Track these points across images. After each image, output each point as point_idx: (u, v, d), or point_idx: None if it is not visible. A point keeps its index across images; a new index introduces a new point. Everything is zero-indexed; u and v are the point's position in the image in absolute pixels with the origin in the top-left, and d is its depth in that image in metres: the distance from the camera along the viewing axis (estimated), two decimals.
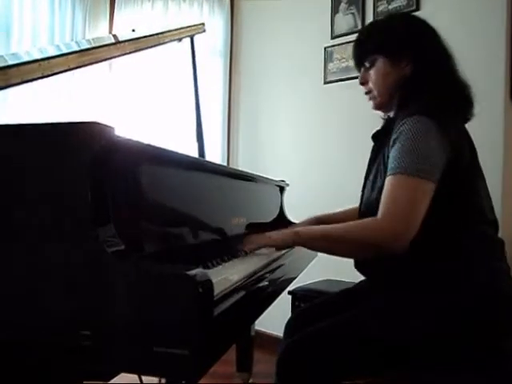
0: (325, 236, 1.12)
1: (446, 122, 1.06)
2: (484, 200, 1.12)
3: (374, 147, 1.27)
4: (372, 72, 1.21)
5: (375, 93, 1.22)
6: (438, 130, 1.04)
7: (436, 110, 1.07)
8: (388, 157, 1.10)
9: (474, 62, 2.02)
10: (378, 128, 1.28)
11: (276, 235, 1.20)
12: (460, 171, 1.07)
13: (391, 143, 1.09)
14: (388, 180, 1.05)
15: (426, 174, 1.01)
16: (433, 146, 1.02)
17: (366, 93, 1.25)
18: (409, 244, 1.00)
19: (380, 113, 1.31)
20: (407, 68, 1.16)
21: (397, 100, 1.19)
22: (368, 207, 1.19)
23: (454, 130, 1.09)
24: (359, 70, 1.27)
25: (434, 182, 1.02)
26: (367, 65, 1.22)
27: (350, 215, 1.45)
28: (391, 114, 1.26)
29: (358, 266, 1.25)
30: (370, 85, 1.23)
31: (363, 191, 1.26)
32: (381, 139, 1.22)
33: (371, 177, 1.21)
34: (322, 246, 1.16)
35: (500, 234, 1.17)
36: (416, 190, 1.01)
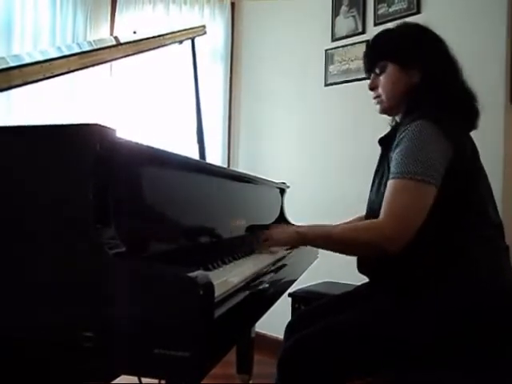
0: (328, 237, 1.16)
1: (448, 126, 1.08)
2: (488, 203, 1.13)
3: (381, 152, 1.28)
4: (382, 78, 1.23)
5: (383, 98, 1.24)
6: (441, 134, 1.05)
7: (439, 116, 1.09)
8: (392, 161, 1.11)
9: (475, 64, 2.02)
10: (385, 133, 1.28)
11: (279, 235, 1.23)
12: (463, 174, 1.08)
13: (394, 147, 1.11)
14: (389, 183, 1.07)
15: (426, 178, 1.02)
16: (434, 150, 1.04)
17: (375, 97, 1.27)
18: (403, 245, 1.02)
19: (386, 117, 1.32)
20: (416, 76, 1.18)
21: (404, 106, 1.21)
22: (372, 211, 1.20)
23: (457, 134, 1.10)
24: (369, 76, 1.28)
25: (435, 186, 1.03)
26: (377, 71, 1.24)
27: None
28: (397, 119, 1.27)
29: (361, 269, 1.25)
30: (380, 90, 1.24)
31: (370, 194, 1.28)
32: (386, 144, 1.22)
33: (377, 181, 1.23)
34: (325, 246, 1.20)
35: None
36: (416, 193, 1.03)
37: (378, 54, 1.25)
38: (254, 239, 1.33)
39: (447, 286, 1.05)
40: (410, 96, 1.19)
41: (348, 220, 1.54)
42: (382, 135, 1.27)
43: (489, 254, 1.09)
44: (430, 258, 1.07)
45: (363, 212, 1.31)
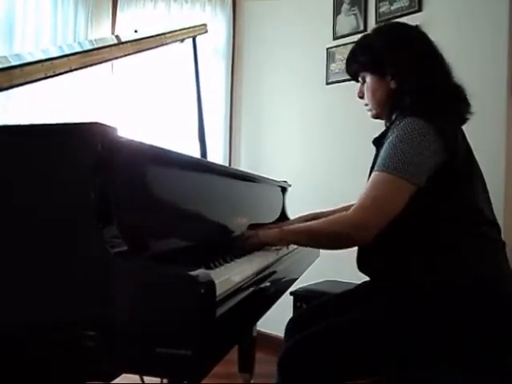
0: (303, 231, 1.18)
1: (441, 124, 1.07)
2: (482, 201, 1.13)
3: (375, 152, 1.28)
4: (364, 87, 1.28)
5: (370, 106, 1.28)
6: (433, 133, 1.05)
7: (432, 113, 1.08)
8: None
9: (477, 62, 2.02)
10: (379, 133, 1.29)
11: (263, 234, 1.26)
12: (456, 173, 1.08)
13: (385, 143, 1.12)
14: (370, 176, 1.10)
15: (406, 175, 1.03)
16: (421, 149, 1.04)
17: (365, 105, 1.31)
18: (371, 235, 1.04)
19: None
20: (392, 82, 1.20)
21: (387, 112, 1.24)
22: None
23: (450, 132, 1.09)
24: (358, 82, 1.32)
25: (414, 185, 1.04)
26: (360, 80, 1.29)
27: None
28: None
29: (361, 269, 1.25)
30: (365, 98, 1.29)
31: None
32: (380, 144, 1.23)
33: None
34: (303, 241, 1.24)
35: (502, 237, 1.17)
36: (389, 187, 1.05)
37: (355, 67, 1.30)
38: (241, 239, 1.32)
39: (445, 284, 1.05)
40: (391, 101, 1.21)
41: (336, 208, 1.56)
42: (377, 135, 1.28)
43: (485, 250, 1.09)
44: (429, 257, 1.08)
45: None
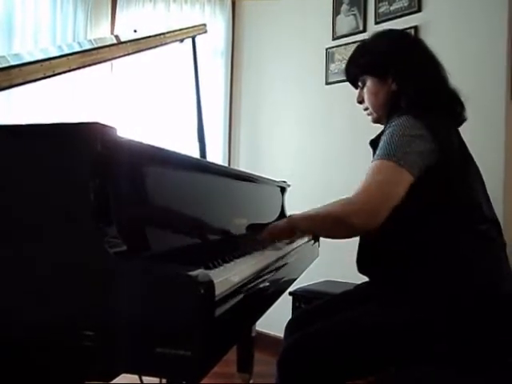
0: (308, 215, 1.19)
1: (433, 122, 1.10)
2: (481, 200, 1.13)
3: (373, 153, 1.29)
4: (365, 91, 1.29)
5: (370, 109, 1.29)
6: (425, 130, 1.07)
7: (424, 113, 1.11)
8: None
9: (476, 62, 2.02)
10: (376, 134, 1.30)
11: (274, 228, 1.28)
12: (451, 171, 1.09)
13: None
14: (370, 165, 1.10)
15: (404, 164, 1.04)
16: (415, 144, 1.05)
17: (364, 109, 1.32)
18: (370, 222, 1.03)
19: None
20: (393, 84, 1.22)
21: (387, 113, 1.25)
22: None
23: (442, 130, 1.11)
24: (356, 89, 1.33)
25: (411, 175, 1.05)
26: (360, 85, 1.30)
27: None
28: None
29: (360, 269, 1.25)
30: (366, 103, 1.30)
31: None
32: (377, 145, 1.24)
33: None
34: (309, 227, 1.24)
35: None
36: (390, 173, 1.05)
37: (355, 71, 1.30)
38: (253, 239, 1.33)
39: (444, 283, 1.06)
40: (391, 103, 1.22)
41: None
42: (373, 137, 1.28)
43: (484, 249, 1.09)
44: (427, 255, 1.08)
45: None
